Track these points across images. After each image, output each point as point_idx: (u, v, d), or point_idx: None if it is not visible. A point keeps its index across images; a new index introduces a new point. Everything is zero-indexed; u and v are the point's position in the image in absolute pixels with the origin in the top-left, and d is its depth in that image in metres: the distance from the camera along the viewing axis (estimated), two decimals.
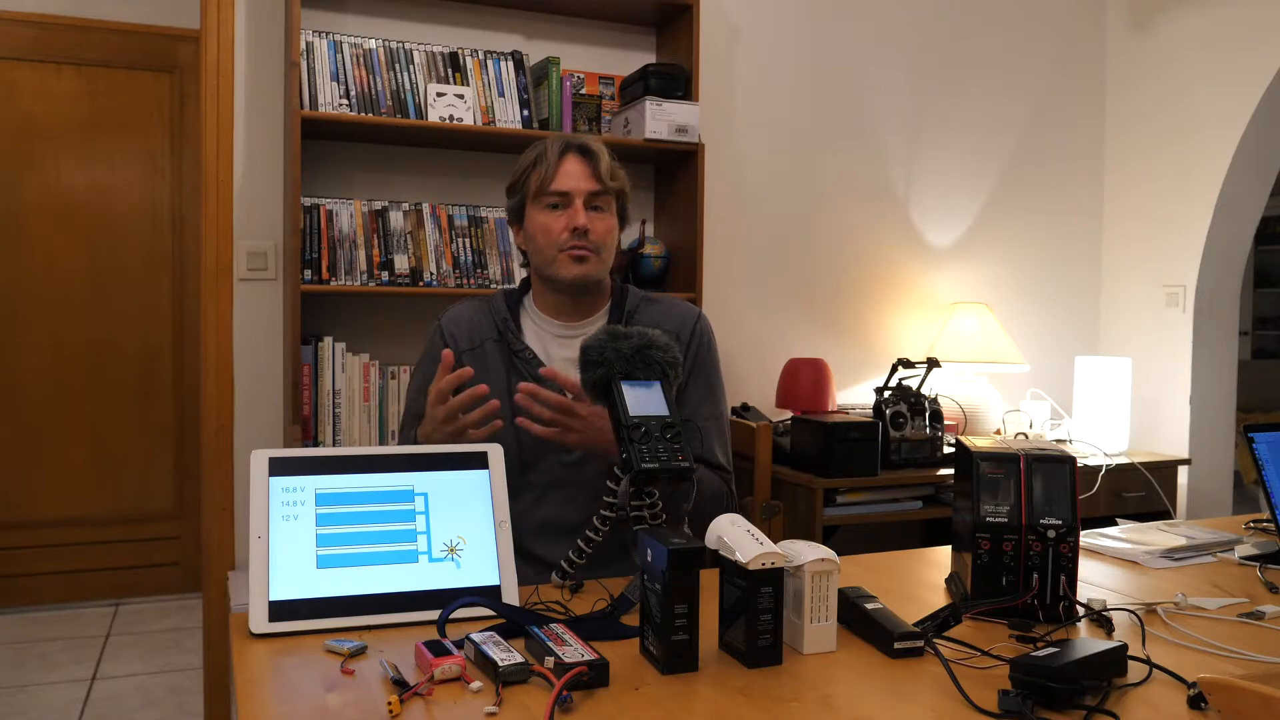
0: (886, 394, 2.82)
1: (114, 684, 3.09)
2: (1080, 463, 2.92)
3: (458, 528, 1.22)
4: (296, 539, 1.16)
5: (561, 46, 2.97)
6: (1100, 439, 3.16)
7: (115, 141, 3.84)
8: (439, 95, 2.63)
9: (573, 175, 1.60)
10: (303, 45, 2.55)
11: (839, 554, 1.12)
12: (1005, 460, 1.22)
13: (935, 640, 1.08)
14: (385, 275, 2.63)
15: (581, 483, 1.58)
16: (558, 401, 1.38)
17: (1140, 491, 3.07)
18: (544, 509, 1.60)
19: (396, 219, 2.68)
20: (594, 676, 0.97)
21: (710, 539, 1.10)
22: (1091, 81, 3.72)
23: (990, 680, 1.00)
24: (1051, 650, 0.99)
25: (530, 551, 1.56)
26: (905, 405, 2.80)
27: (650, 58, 3.08)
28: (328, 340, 2.57)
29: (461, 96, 2.64)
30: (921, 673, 1.03)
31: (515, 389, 1.46)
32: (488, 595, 1.18)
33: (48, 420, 3.81)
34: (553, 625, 1.07)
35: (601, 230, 1.60)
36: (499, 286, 2.62)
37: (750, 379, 3.23)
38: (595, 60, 3.02)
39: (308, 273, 2.53)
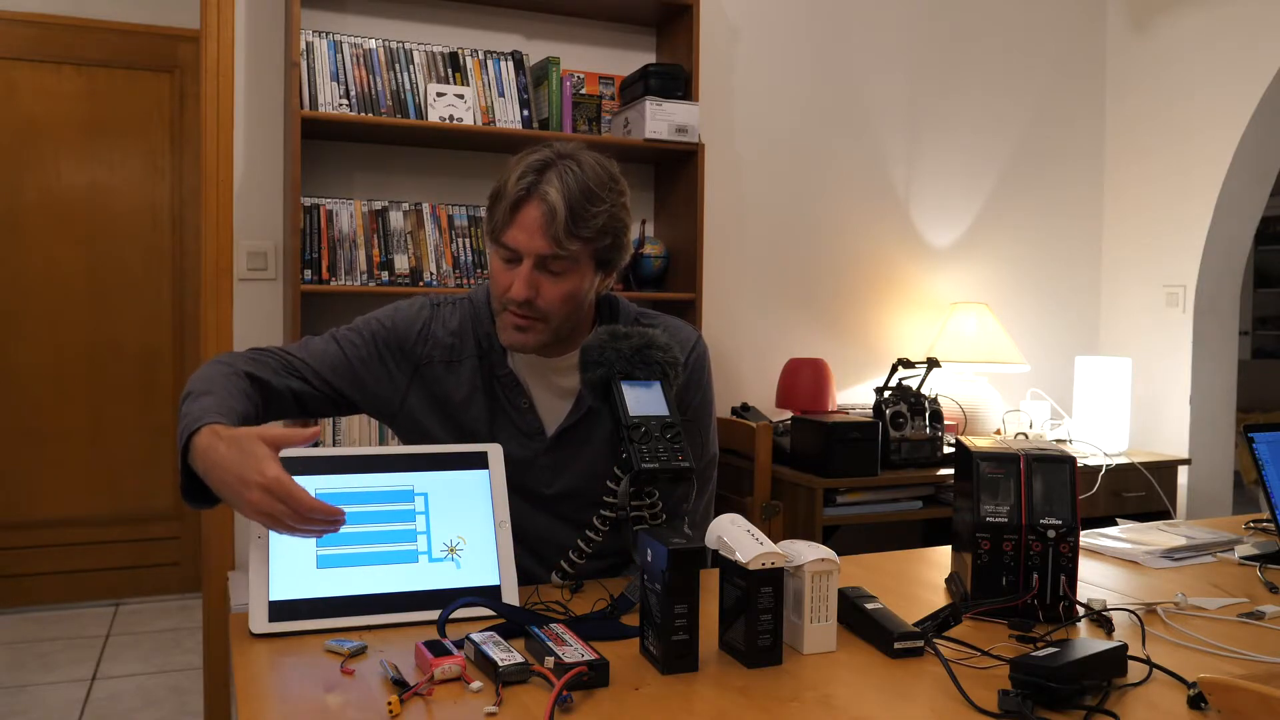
0: (886, 394, 2.82)
1: (114, 684, 3.09)
2: (1080, 463, 2.92)
3: (458, 528, 1.22)
4: (296, 539, 1.15)
5: (561, 46, 2.97)
6: (1100, 439, 3.16)
7: (115, 141, 3.84)
8: (439, 95, 2.62)
9: (526, 230, 1.33)
10: (303, 45, 2.55)
11: (839, 554, 1.12)
12: (1005, 460, 1.22)
13: (935, 640, 1.08)
14: (385, 275, 2.63)
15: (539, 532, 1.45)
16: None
17: (1140, 491, 3.07)
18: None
19: (396, 219, 2.68)
20: (594, 676, 0.97)
21: (710, 539, 1.10)
22: (1091, 81, 3.72)
23: (990, 680, 1.00)
24: (1051, 650, 0.99)
25: None
26: (905, 405, 2.80)
27: (650, 58, 3.08)
28: None
29: (461, 96, 2.64)
30: (921, 673, 1.03)
31: (494, 411, 1.44)
32: (488, 595, 1.18)
33: (48, 420, 3.81)
34: (553, 625, 1.07)
35: (552, 296, 1.35)
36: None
37: (750, 379, 3.23)
38: (595, 60, 3.02)
39: (308, 273, 2.53)
